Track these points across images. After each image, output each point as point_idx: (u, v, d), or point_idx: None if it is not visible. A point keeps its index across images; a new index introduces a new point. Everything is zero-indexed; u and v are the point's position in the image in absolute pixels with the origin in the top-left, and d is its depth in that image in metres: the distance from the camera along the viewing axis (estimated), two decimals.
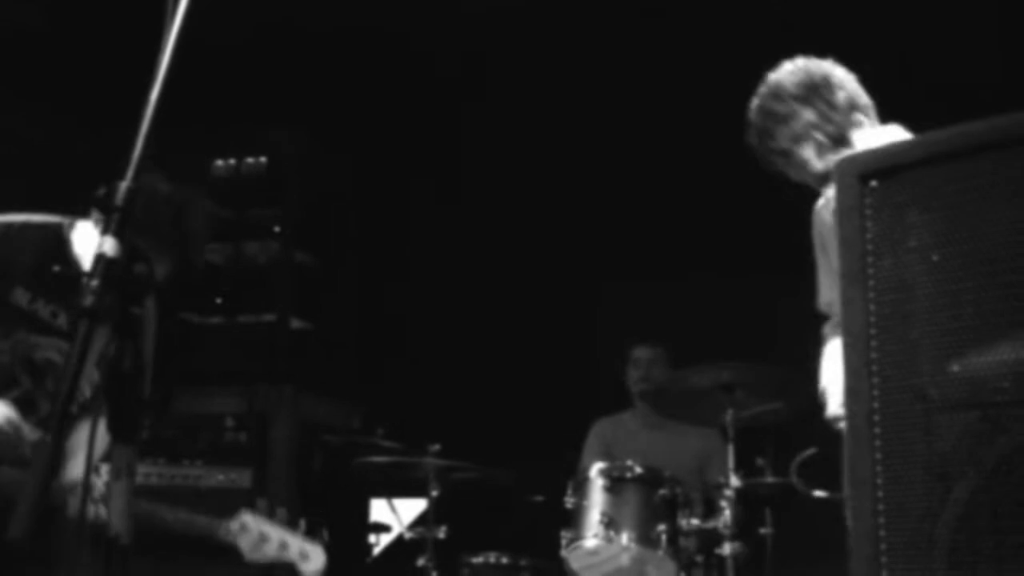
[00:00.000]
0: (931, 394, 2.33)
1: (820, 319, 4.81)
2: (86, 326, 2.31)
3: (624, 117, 8.43)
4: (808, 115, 4.28)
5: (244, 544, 4.75)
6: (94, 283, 2.34)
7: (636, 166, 8.56)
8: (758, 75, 4.52)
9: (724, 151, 5.07)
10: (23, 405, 4.79)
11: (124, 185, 2.43)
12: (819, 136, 4.27)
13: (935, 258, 2.36)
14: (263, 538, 4.72)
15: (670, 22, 7.95)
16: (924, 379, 2.35)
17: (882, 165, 2.46)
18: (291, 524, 4.79)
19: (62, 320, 4.83)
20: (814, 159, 4.30)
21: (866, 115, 4.37)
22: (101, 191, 2.44)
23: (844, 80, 4.38)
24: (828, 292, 4.78)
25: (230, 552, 4.84)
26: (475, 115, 8.92)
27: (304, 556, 4.72)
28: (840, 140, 4.28)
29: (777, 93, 4.35)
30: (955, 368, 2.32)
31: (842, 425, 4.42)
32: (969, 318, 2.32)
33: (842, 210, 2.47)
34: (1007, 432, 2.26)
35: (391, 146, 9.19)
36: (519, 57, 8.38)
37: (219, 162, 8.35)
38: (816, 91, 4.31)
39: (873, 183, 2.43)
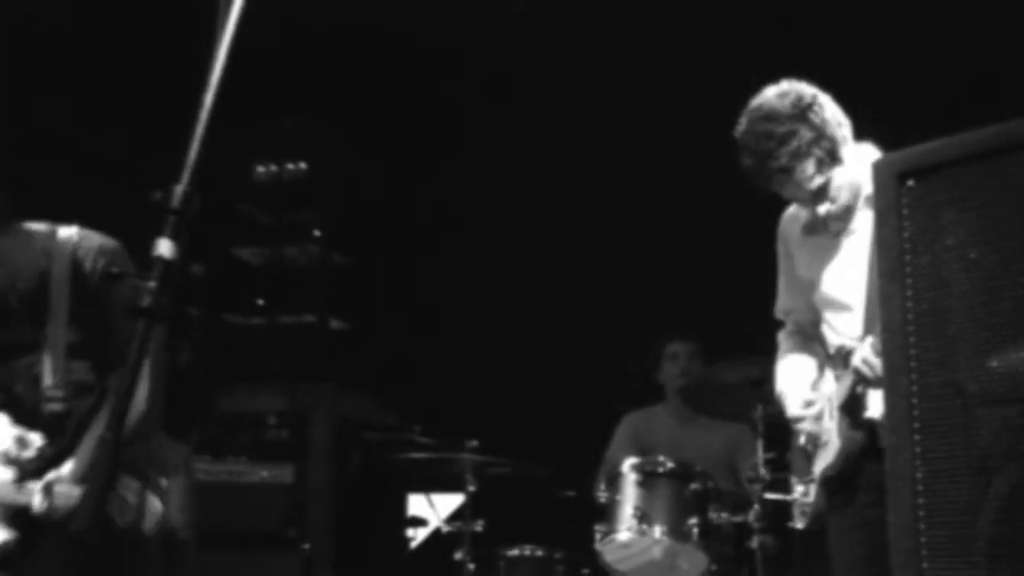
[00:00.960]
0: (970, 389, 2.32)
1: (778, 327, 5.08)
2: (145, 326, 2.29)
3: (651, 115, 8.42)
4: (806, 132, 4.25)
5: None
6: (151, 284, 2.33)
7: (670, 163, 8.55)
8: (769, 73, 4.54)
9: None
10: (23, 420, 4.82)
11: (180, 188, 2.43)
12: (819, 152, 4.25)
13: (972, 255, 2.34)
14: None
15: (685, 16, 7.92)
16: (962, 375, 2.33)
17: (919, 164, 2.44)
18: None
19: (23, 336, 4.84)
20: (815, 174, 4.27)
21: (847, 132, 4.39)
22: (157, 194, 2.44)
23: (826, 99, 4.38)
24: (786, 299, 4.97)
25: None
26: (502, 116, 8.92)
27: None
28: (833, 155, 4.28)
29: (771, 115, 4.30)
30: (994, 363, 2.30)
31: (801, 427, 4.65)
32: (1007, 314, 2.30)
33: (880, 209, 2.46)
34: None
35: (425, 150, 9.20)
36: (541, 56, 8.37)
37: (260, 167, 8.35)
38: (810, 109, 4.29)
39: (910, 182, 2.42)
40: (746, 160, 4.37)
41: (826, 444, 4.48)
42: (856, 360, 4.15)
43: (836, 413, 4.40)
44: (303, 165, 8.42)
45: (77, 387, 4.70)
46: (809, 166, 4.25)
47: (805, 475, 4.62)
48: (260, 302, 8.19)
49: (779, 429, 6.29)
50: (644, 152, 8.61)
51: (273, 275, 8.32)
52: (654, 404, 7.88)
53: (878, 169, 2.49)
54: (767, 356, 6.23)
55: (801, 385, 4.72)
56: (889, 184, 2.42)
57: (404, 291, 9.02)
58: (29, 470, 4.52)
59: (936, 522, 2.32)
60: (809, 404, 4.62)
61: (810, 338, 4.83)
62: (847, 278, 4.32)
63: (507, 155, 9.00)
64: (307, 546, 7.24)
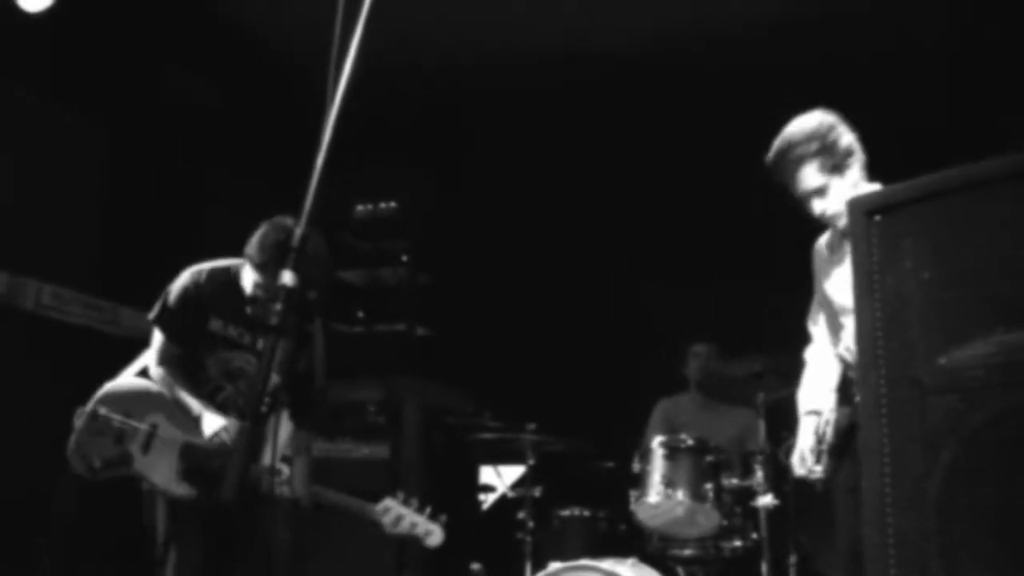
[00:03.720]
0: (924, 381, 2.34)
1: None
2: (272, 340, 2.35)
3: (689, 152, 8.43)
4: (816, 144, 4.29)
5: (385, 521, 4.93)
6: (278, 306, 2.38)
7: (701, 194, 8.58)
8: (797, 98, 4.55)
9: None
10: (228, 405, 4.97)
11: (299, 232, 2.48)
12: (825, 160, 4.29)
13: (925, 276, 2.37)
14: (399, 518, 4.90)
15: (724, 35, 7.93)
16: (919, 370, 2.35)
17: (884, 203, 2.48)
18: (419, 510, 4.94)
19: (247, 338, 4.97)
20: (818, 174, 4.31)
21: (856, 158, 4.37)
22: (281, 236, 2.49)
23: (846, 130, 4.38)
24: (815, 313, 4.90)
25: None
26: (558, 149, 8.95)
27: (428, 533, 4.93)
28: (837, 168, 4.31)
29: (798, 127, 4.36)
30: (942, 361, 2.33)
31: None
32: (951, 322, 2.34)
33: (854, 238, 2.49)
34: (980, 409, 2.27)
35: (489, 184, 9.24)
36: (584, 69, 8.39)
37: (359, 205, 8.42)
38: (830, 130, 4.33)
39: (877, 217, 2.45)
40: (771, 156, 4.40)
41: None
42: (840, 348, 4.31)
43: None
44: (393, 203, 8.47)
45: (273, 395, 4.81)
46: (821, 165, 4.27)
47: (820, 446, 4.57)
48: (360, 314, 8.22)
49: (777, 412, 6.34)
50: (678, 184, 8.64)
51: (370, 292, 8.36)
52: (681, 392, 7.91)
53: (852, 207, 2.53)
54: (767, 354, 6.29)
55: (809, 391, 4.75)
56: (860, 219, 2.47)
57: (477, 303, 9.03)
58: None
59: (898, 485, 2.35)
60: (810, 413, 4.66)
61: (832, 344, 4.73)
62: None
63: (561, 185, 9.05)
64: None
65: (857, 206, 2.53)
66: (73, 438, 4.98)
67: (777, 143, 4.39)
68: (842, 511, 4.33)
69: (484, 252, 9.10)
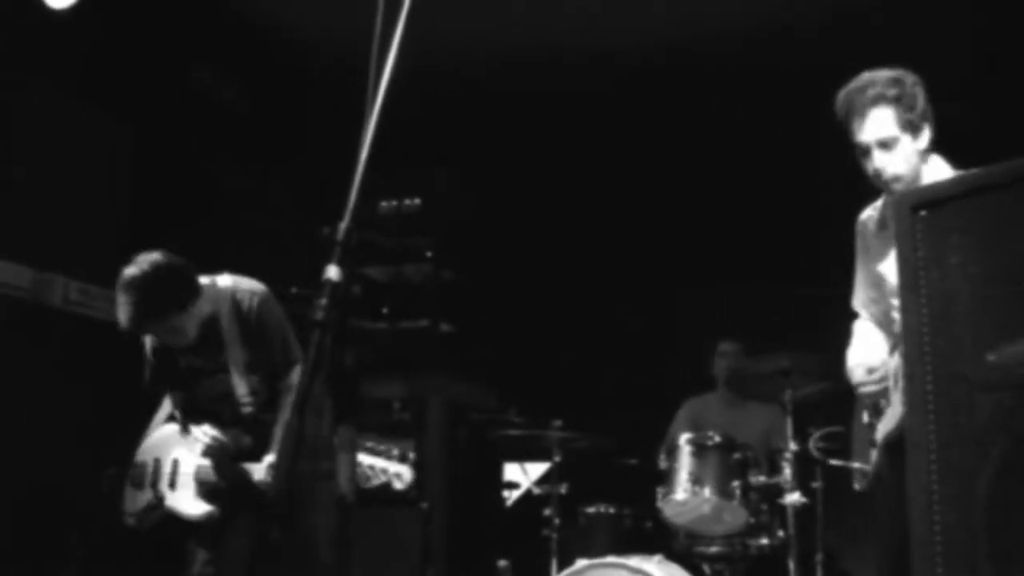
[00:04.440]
0: (971, 377, 2.33)
1: (854, 315, 4.75)
2: (318, 335, 2.33)
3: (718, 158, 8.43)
4: (907, 90, 3.98)
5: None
6: (322, 301, 2.37)
7: (725, 200, 8.59)
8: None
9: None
10: (226, 425, 5.04)
11: (343, 225, 2.47)
12: (906, 113, 3.97)
13: (972, 271, 2.36)
14: (370, 469, 4.82)
15: (745, 35, 7.89)
16: (966, 366, 2.34)
17: (929, 198, 2.46)
18: (387, 455, 4.81)
19: (211, 362, 5.04)
20: (896, 127, 3.97)
21: (929, 125, 4.09)
22: (326, 230, 2.49)
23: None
24: (862, 292, 4.64)
25: None
26: (581, 152, 8.96)
27: (397, 475, 4.79)
28: (915, 127, 4.01)
29: (896, 81, 4.01)
30: (990, 357, 2.31)
31: (864, 390, 4.39)
32: (999, 318, 2.32)
33: (899, 234, 2.48)
34: None
35: (514, 182, 9.24)
36: (620, 93, 8.38)
37: (383, 203, 8.42)
38: (915, 84, 4.02)
39: (923, 212, 2.43)
40: (846, 91, 4.08)
41: (890, 411, 4.26)
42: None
43: (900, 384, 4.12)
44: (417, 200, 8.47)
45: (255, 394, 4.91)
46: (897, 114, 3.95)
47: (867, 445, 4.43)
48: (384, 310, 8.22)
49: (804, 409, 6.33)
50: (704, 181, 8.65)
51: (394, 289, 8.35)
52: (707, 391, 7.91)
53: (897, 203, 2.51)
54: (794, 350, 6.27)
55: (865, 357, 4.41)
56: (906, 213, 2.45)
57: (501, 300, 9.04)
58: (227, 458, 4.76)
59: (945, 483, 2.33)
60: (871, 371, 4.33)
61: (881, 325, 4.52)
62: None
63: (586, 183, 9.06)
64: (426, 505, 7.26)
65: (902, 201, 2.51)
66: (119, 498, 5.19)
67: (855, 81, 4.07)
68: (887, 507, 4.21)
69: (509, 248, 9.10)
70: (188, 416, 5.19)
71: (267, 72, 8.49)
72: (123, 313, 4.70)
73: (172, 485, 5.10)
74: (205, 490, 4.98)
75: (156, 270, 4.75)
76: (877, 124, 3.97)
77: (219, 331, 5.01)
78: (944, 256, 2.40)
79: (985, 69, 7.54)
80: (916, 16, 7.30)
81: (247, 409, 4.99)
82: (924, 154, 4.06)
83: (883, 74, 4.02)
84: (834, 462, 6.03)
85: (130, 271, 4.75)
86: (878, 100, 3.95)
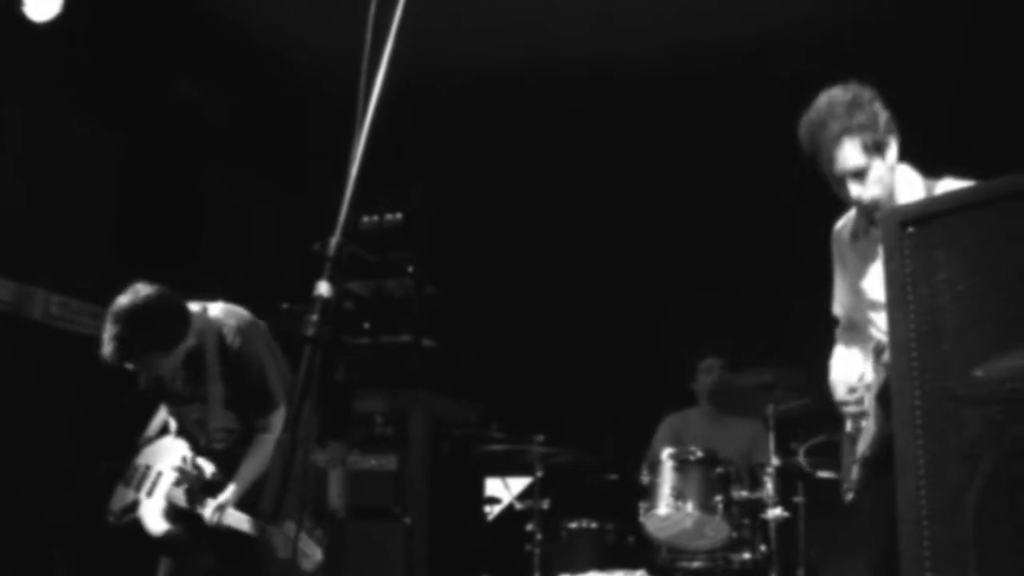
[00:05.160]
0: (960, 393, 2.34)
1: (834, 324, 4.72)
2: (310, 351, 2.32)
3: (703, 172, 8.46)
4: (861, 116, 3.90)
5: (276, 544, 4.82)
6: (314, 317, 2.36)
7: (708, 215, 8.62)
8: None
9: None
10: (199, 451, 5.04)
11: (334, 241, 2.47)
12: (866, 137, 3.90)
13: (960, 287, 2.37)
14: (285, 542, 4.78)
15: (739, 50, 7.93)
16: (954, 381, 2.35)
17: (917, 215, 2.48)
18: (310, 531, 4.75)
19: (188, 390, 5.06)
20: (860, 154, 3.89)
21: (895, 139, 4.04)
22: (316, 245, 2.49)
23: (881, 106, 4.02)
24: (840, 299, 4.58)
25: None
26: (565, 166, 8.97)
27: (306, 556, 4.76)
28: (879, 147, 3.95)
29: (838, 96, 3.97)
30: (978, 372, 2.32)
31: (847, 409, 4.34)
32: (987, 333, 2.33)
33: (887, 249, 2.49)
34: (1019, 421, 2.27)
35: (495, 196, 9.25)
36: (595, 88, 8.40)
37: (366, 218, 8.42)
38: (870, 102, 3.95)
39: (910, 229, 2.45)
40: (806, 129, 4.01)
41: (866, 429, 4.25)
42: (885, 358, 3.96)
43: (873, 402, 4.17)
44: (399, 215, 8.47)
45: (229, 431, 4.93)
46: (863, 141, 3.89)
47: (852, 457, 4.37)
48: (366, 325, 8.21)
49: (786, 423, 6.35)
50: (687, 197, 8.68)
51: (376, 303, 8.34)
52: (689, 407, 7.93)
53: (885, 219, 2.53)
54: (776, 365, 6.29)
55: (847, 375, 4.37)
56: (894, 230, 2.46)
57: (483, 315, 9.05)
58: (197, 488, 4.78)
59: (934, 497, 2.34)
60: (852, 391, 4.30)
61: (862, 333, 4.42)
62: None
63: (568, 198, 9.09)
64: (408, 519, 7.25)
65: (890, 217, 2.53)
66: (111, 491, 5.20)
67: (813, 115, 4.01)
68: (874, 522, 4.20)
69: (491, 264, 9.11)
70: (178, 431, 5.23)
71: (254, 84, 8.48)
72: (107, 345, 4.68)
73: (149, 494, 5.11)
74: (171, 510, 4.99)
75: (147, 309, 4.73)
76: (846, 157, 3.94)
77: (202, 363, 5.02)
78: (932, 272, 2.41)
79: (967, 81, 7.59)
80: (900, 29, 7.36)
81: (218, 445, 5.03)
82: (894, 166, 4.04)
83: (840, 99, 3.97)
84: (822, 474, 6.06)
85: (122, 303, 4.73)
86: (842, 133, 3.91)
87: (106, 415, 6.61)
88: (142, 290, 4.78)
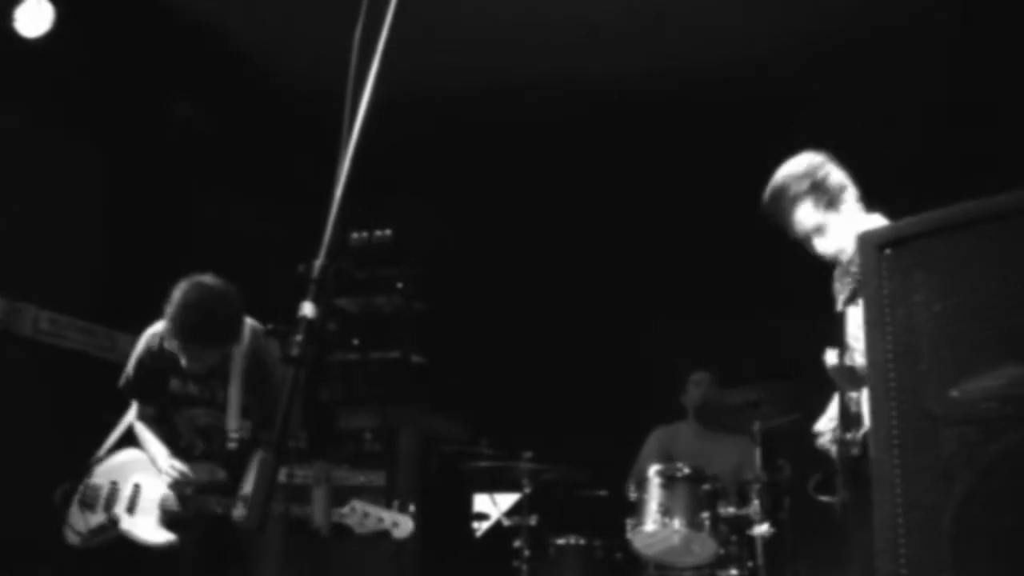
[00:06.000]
0: (936, 413, 2.37)
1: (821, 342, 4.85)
2: (295, 371, 2.33)
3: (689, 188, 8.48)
4: (806, 182, 4.39)
5: (351, 522, 4.90)
6: (298, 338, 2.37)
7: (700, 234, 8.64)
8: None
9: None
10: (202, 459, 5.06)
11: (318, 263, 2.48)
12: (819, 197, 4.38)
13: (936, 308, 2.40)
14: (365, 516, 4.86)
15: (715, 70, 7.96)
16: (930, 402, 2.38)
17: (893, 237, 2.51)
18: (388, 505, 4.95)
19: (206, 393, 5.07)
20: (813, 212, 4.39)
21: (849, 193, 4.45)
22: (301, 267, 2.50)
23: (834, 167, 4.48)
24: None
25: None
26: (553, 182, 8.99)
27: (395, 524, 4.86)
28: (832, 203, 4.40)
29: (790, 170, 4.46)
30: (954, 393, 2.35)
31: (820, 440, 4.64)
32: (963, 354, 2.36)
33: (864, 272, 2.52)
34: (995, 441, 2.29)
35: (485, 213, 9.27)
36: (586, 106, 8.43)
37: (355, 234, 8.44)
38: (819, 168, 4.43)
39: (887, 251, 2.48)
40: (766, 201, 4.50)
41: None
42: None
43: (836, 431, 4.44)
44: (388, 232, 8.49)
45: (243, 437, 4.93)
46: (815, 201, 4.36)
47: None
48: (356, 341, 8.23)
49: (773, 440, 6.37)
50: (676, 213, 8.70)
51: (365, 320, 8.36)
52: (678, 421, 7.94)
53: (862, 241, 2.56)
54: (764, 383, 6.31)
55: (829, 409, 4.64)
56: (871, 253, 2.50)
57: (472, 331, 9.06)
58: (195, 492, 4.79)
59: (911, 516, 2.37)
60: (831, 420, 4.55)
61: None
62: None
63: (557, 214, 9.10)
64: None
65: (867, 240, 2.56)
66: (65, 514, 5.17)
67: (770, 188, 4.49)
68: (859, 540, 4.28)
69: (480, 280, 9.12)
70: (167, 441, 5.21)
71: (244, 103, 8.50)
72: (199, 329, 4.72)
73: (131, 510, 5.10)
74: (168, 519, 4.99)
75: (233, 295, 4.77)
76: (801, 220, 4.42)
77: (228, 366, 5.04)
78: (908, 294, 2.44)
79: (952, 106, 7.64)
80: (885, 51, 7.40)
81: (232, 445, 5.02)
82: (853, 217, 4.40)
83: (791, 172, 4.46)
84: (824, 498, 6.08)
85: (206, 287, 4.78)
86: (795, 200, 4.41)
87: (96, 431, 6.60)
88: (214, 280, 4.81)
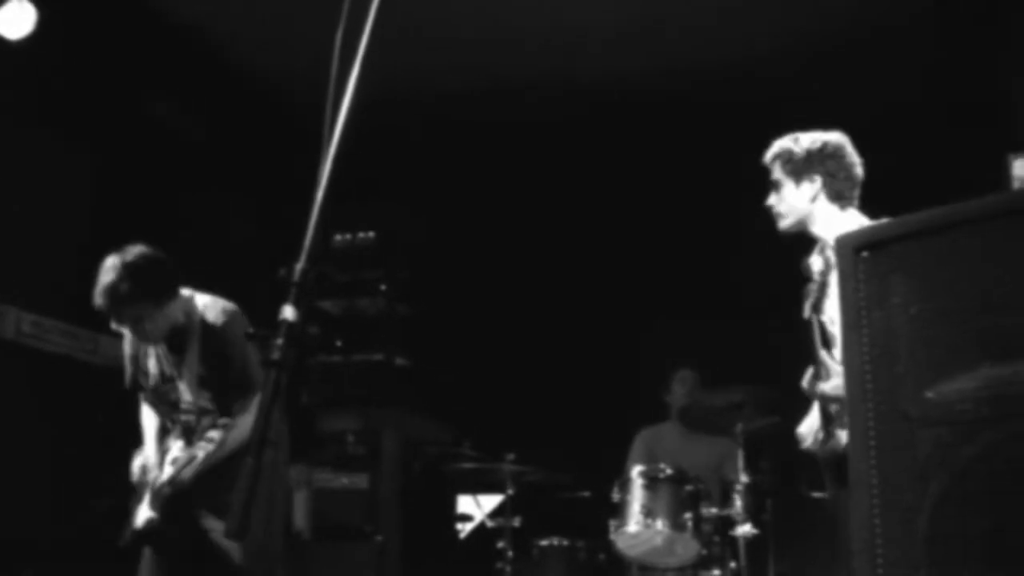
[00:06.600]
0: (912, 414, 2.37)
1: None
2: (274, 375, 2.33)
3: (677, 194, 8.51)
4: (801, 148, 4.49)
5: None
6: (279, 341, 2.37)
7: (686, 236, 8.67)
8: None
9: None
10: (184, 433, 5.06)
11: (299, 266, 2.47)
12: (817, 180, 4.46)
13: (913, 311, 2.41)
14: None
15: (706, 72, 7.99)
16: (907, 403, 2.39)
17: (871, 240, 2.52)
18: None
19: (168, 369, 5.09)
20: (803, 199, 4.48)
21: (846, 185, 4.52)
22: (282, 271, 2.49)
23: (841, 148, 4.55)
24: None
25: None
26: (538, 185, 9.00)
27: None
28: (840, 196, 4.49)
29: (800, 137, 4.55)
30: (930, 394, 2.36)
31: (804, 444, 4.59)
32: (939, 356, 2.37)
33: (842, 274, 2.54)
34: (970, 442, 2.31)
35: (469, 215, 9.28)
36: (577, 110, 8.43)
37: (338, 236, 8.44)
38: (802, 139, 4.55)
39: (864, 254, 2.49)
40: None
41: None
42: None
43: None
44: (371, 234, 8.49)
45: (202, 409, 4.94)
46: (781, 164, 4.52)
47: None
48: (338, 343, 8.23)
49: (755, 441, 6.39)
50: (661, 214, 8.73)
51: (348, 322, 8.36)
52: (662, 422, 7.96)
53: (840, 244, 2.57)
54: (747, 384, 6.33)
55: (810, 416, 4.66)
56: (848, 255, 2.51)
57: (455, 334, 9.07)
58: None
59: (887, 518, 2.37)
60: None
61: None
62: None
63: (541, 215, 9.12)
64: (380, 538, 7.27)
65: (844, 243, 2.57)
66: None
67: (773, 147, 4.61)
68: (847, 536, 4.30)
69: (463, 282, 9.14)
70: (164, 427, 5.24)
71: (229, 104, 8.50)
72: (100, 291, 4.71)
73: (141, 497, 5.12)
74: (155, 498, 5.00)
75: (142, 257, 4.80)
76: (771, 171, 4.58)
77: (184, 340, 5.05)
78: (886, 296, 2.45)
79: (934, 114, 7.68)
80: (872, 58, 7.44)
81: (187, 418, 5.04)
82: (816, 199, 4.49)
83: (789, 135, 4.58)
84: (815, 495, 6.13)
85: (118, 254, 4.78)
86: (773, 157, 4.57)
87: (79, 434, 6.60)
88: (135, 246, 4.83)
